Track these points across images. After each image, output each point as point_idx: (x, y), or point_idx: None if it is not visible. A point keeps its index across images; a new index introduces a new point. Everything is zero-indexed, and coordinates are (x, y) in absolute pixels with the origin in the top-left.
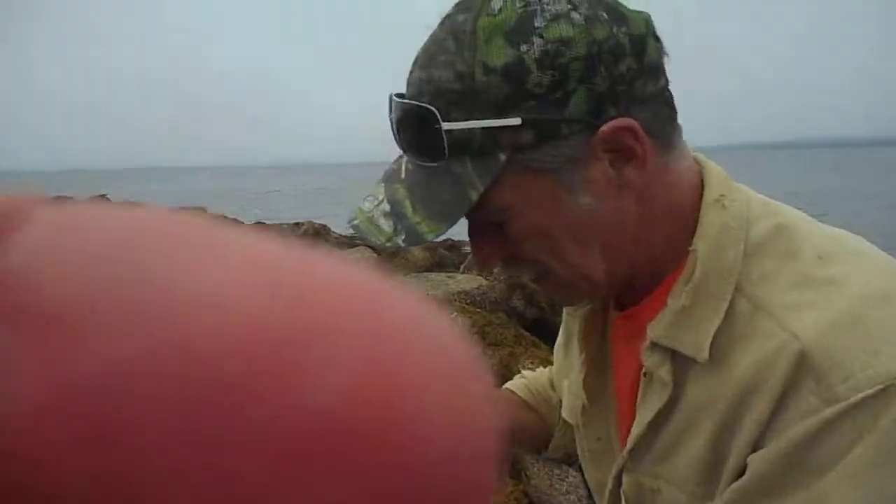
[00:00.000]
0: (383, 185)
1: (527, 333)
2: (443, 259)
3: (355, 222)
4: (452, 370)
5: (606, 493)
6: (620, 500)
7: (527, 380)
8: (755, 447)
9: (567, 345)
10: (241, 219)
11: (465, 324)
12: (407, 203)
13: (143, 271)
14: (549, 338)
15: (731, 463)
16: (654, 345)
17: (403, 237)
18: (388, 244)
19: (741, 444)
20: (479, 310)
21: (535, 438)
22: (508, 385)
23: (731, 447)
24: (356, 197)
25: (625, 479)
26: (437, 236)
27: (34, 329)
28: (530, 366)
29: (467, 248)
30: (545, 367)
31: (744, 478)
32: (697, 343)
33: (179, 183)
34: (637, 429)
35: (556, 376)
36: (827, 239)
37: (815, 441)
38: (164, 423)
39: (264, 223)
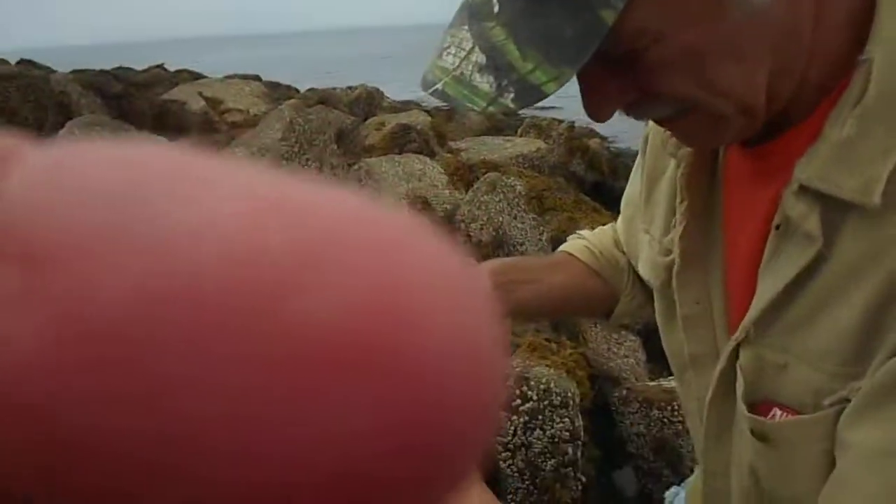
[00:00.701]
0: (466, 27)
1: (586, 198)
2: (499, 123)
3: (437, 86)
4: (461, 293)
5: (716, 371)
6: (735, 377)
7: (587, 240)
8: None
9: (651, 193)
10: (295, 86)
11: (523, 188)
12: (511, 47)
13: (143, 205)
14: (609, 203)
15: (892, 339)
16: (802, 189)
17: (512, 96)
18: (490, 108)
19: None
20: (537, 174)
21: (598, 307)
22: (566, 247)
23: (893, 320)
24: (419, 58)
25: (742, 352)
26: (561, 86)
27: (35, 268)
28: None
29: (524, 111)
30: None
31: None
32: (865, 185)
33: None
34: (767, 293)
35: (626, 232)
36: None
37: None
38: (172, 354)
39: (317, 89)
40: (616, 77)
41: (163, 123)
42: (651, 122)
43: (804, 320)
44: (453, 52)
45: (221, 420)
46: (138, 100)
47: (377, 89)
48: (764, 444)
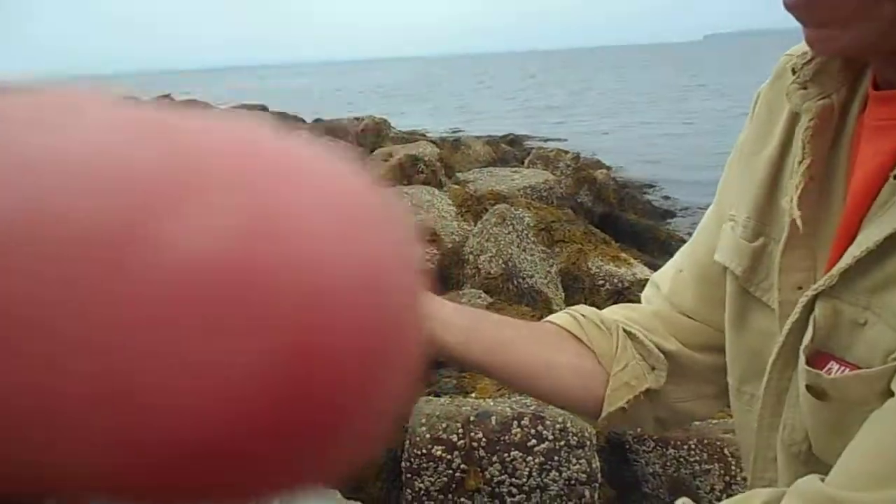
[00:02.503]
0: None
1: (595, 230)
2: (505, 155)
3: None
4: (359, 219)
5: (788, 322)
6: (805, 327)
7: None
8: None
9: (742, 173)
10: (301, 117)
11: (532, 220)
12: None
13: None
14: (619, 235)
15: None
16: None
17: None
18: None
19: None
20: (545, 205)
21: (570, 384)
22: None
23: None
24: (430, 92)
25: (819, 304)
26: None
27: None
28: (600, 263)
29: (529, 143)
30: (615, 265)
31: None
32: None
33: (240, 82)
34: (864, 243)
35: (719, 210)
36: None
37: None
38: (18, 286)
39: (324, 120)
40: None
41: None
42: (762, 100)
43: (895, 277)
44: None
45: (72, 369)
46: None
47: (384, 120)
48: (820, 401)
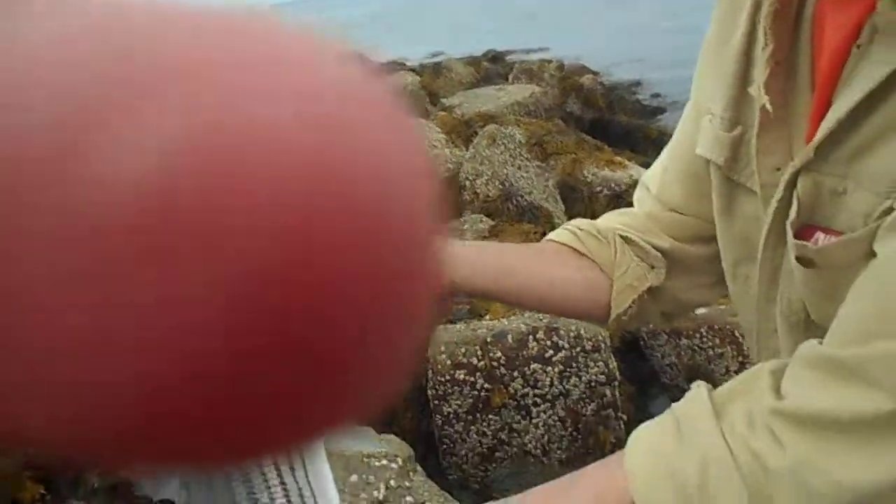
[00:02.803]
0: None
1: (587, 137)
2: (488, 73)
3: None
4: (344, 121)
5: (773, 201)
6: (790, 204)
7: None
8: None
9: (713, 66)
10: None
11: (523, 136)
12: None
13: None
14: (611, 139)
15: None
16: None
17: None
18: None
19: None
20: (534, 119)
21: (577, 298)
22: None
23: None
24: (403, 19)
25: (801, 180)
26: None
27: None
28: (595, 170)
29: (511, 58)
30: (611, 169)
31: None
32: None
33: None
34: (836, 114)
35: (696, 106)
36: None
37: None
38: None
39: None
40: None
41: None
42: None
43: (869, 142)
44: None
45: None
46: None
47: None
48: (811, 270)
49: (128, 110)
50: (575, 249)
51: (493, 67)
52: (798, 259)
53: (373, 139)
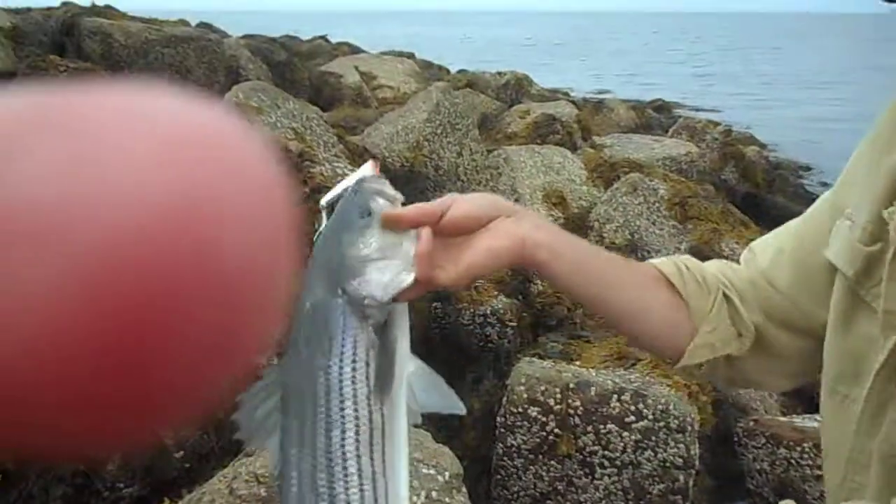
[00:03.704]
0: None
1: (735, 210)
2: (650, 121)
3: None
4: (185, 156)
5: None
6: None
7: (682, 261)
8: None
9: (864, 175)
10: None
11: (667, 192)
12: None
13: None
14: (760, 217)
15: None
16: None
17: None
18: None
19: None
20: (684, 178)
21: (657, 327)
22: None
23: None
24: (566, 50)
25: None
26: None
27: None
28: (735, 246)
29: (678, 111)
30: None
31: None
32: None
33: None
34: None
35: (836, 204)
36: None
37: None
38: None
39: (468, 71)
40: None
41: (319, 94)
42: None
43: None
44: None
45: None
46: (300, 69)
47: (527, 76)
48: None
49: (25, 149)
50: (673, 285)
51: (655, 117)
52: None
53: (210, 175)
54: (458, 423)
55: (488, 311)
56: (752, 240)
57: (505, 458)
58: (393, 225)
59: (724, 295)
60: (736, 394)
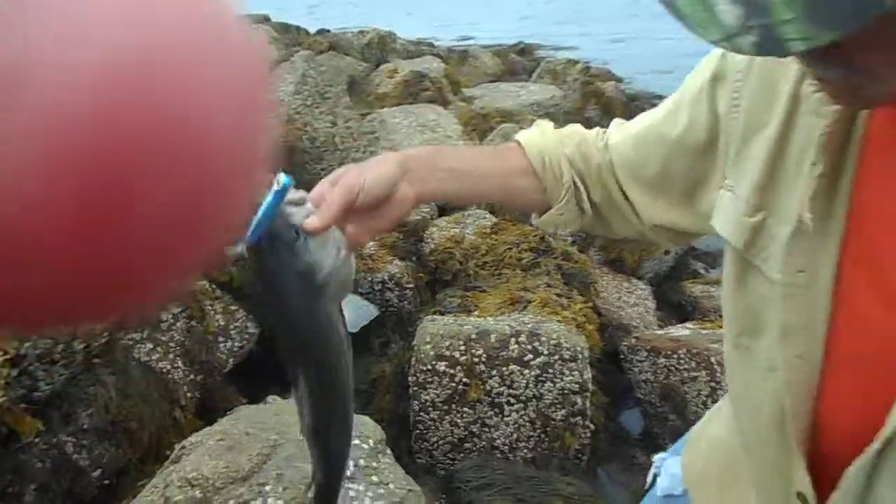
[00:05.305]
0: None
1: None
2: (514, 65)
3: (678, 2)
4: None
5: (880, 440)
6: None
7: (546, 138)
8: None
9: (742, 149)
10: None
11: None
12: None
13: None
14: None
15: None
16: None
17: (754, 40)
18: (722, 43)
19: None
20: (552, 121)
21: (525, 204)
22: (525, 134)
23: None
24: None
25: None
26: (810, 47)
27: None
28: None
29: (540, 53)
30: None
31: None
32: None
33: None
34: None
35: (636, 164)
36: None
37: None
38: None
39: (328, 31)
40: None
41: None
42: (747, 70)
43: None
44: None
45: None
46: None
47: (390, 33)
48: None
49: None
50: (536, 173)
51: (519, 61)
52: None
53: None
54: (372, 389)
55: (386, 277)
56: None
57: (421, 414)
58: (323, 231)
59: (574, 184)
60: (618, 317)
